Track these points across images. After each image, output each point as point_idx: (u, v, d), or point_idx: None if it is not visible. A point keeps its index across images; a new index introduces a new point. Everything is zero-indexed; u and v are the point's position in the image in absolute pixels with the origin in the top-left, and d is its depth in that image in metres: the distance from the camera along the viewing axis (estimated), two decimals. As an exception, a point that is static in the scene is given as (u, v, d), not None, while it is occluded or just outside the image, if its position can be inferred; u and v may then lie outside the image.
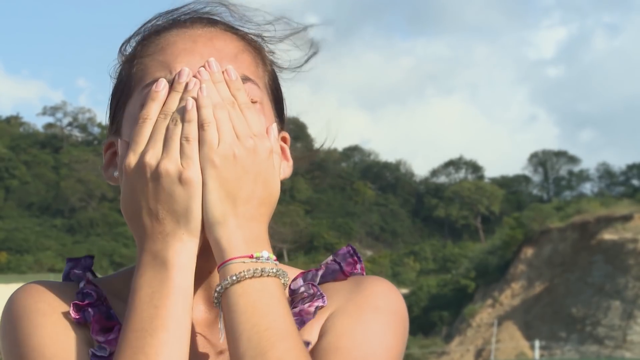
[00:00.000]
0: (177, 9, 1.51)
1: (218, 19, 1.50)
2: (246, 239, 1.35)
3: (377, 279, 1.49)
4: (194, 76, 1.40)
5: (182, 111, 1.36)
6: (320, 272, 1.50)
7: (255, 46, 1.51)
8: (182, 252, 1.35)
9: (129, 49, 1.50)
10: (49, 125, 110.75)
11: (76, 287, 1.49)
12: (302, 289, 1.47)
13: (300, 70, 1.56)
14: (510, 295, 52.93)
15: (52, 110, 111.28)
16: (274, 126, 1.44)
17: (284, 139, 1.54)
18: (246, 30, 1.52)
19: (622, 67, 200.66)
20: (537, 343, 39.39)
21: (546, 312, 49.32)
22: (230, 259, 1.34)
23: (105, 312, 1.44)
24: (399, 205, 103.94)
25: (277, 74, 1.55)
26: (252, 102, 1.42)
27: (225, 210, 1.34)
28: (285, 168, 1.52)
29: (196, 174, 1.34)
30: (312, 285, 1.47)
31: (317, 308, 1.44)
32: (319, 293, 1.46)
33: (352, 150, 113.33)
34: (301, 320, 1.44)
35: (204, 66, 1.40)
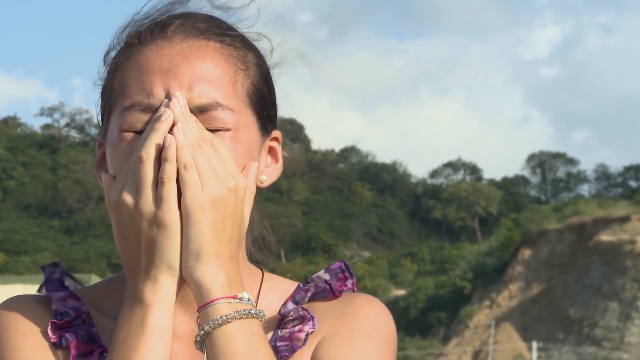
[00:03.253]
0: (157, 11, 1.47)
1: (199, 24, 1.45)
2: (229, 279, 1.34)
3: (368, 300, 1.47)
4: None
5: (160, 149, 1.35)
6: (309, 294, 1.48)
7: (237, 53, 1.46)
8: (160, 292, 1.34)
9: (112, 54, 1.48)
10: (46, 126, 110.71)
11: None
12: (292, 312, 1.45)
13: (286, 63, 1.53)
14: (508, 297, 52.93)
15: (50, 111, 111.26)
16: (255, 165, 1.42)
17: (275, 139, 1.51)
18: (229, 32, 1.47)
19: (616, 66, 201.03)
20: (534, 344, 39.42)
21: (544, 313, 49.33)
22: (215, 299, 1.32)
23: (85, 334, 1.42)
24: (396, 206, 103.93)
25: (268, 71, 1.51)
26: (226, 129, 1.39)
27: (209, 251, 1.33)
28: (274, 171, 1.50)
29: (173, 216, 1.33)
30: (302, 308, 1.45)
31: (307, 335, 1.43)
32: (308, 316, 1.44)
33: (349, 151, 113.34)
34: (291, 348, 1.42)
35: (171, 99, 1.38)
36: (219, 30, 1.46)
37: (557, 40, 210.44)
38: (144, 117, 1.38)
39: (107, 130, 1.45)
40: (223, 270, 1.34)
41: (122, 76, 1.43)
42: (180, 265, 1.35)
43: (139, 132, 1.38)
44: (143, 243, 1.34)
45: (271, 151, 1.50)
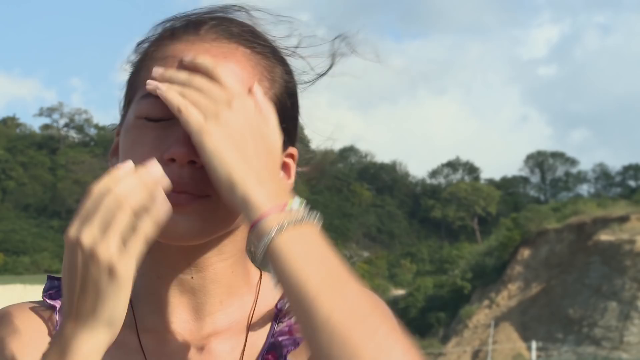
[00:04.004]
0: (194, 11, 1.46)
1: (233, 28, 1.43)
2: (274, 191, 1.29)
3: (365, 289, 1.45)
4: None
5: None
6: None
7: (266, 63, 1.44)
8: (88, 342, 1.23)
9: (145, 44, 1.46)
10: (45, 127, 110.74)
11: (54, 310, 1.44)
12: (288, 304, 1.41)
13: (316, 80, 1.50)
14: (507, 297, 52.93)
15: (49, 111, 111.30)
16: (257, 85, 1.38)
17: (291, 156, 1.48)
18: (261, 42, 1.44)
19: (614, 66, 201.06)
20: (534, 344, 39.34)
21: (543, 313, 49.33)
22: (265, 212, 1.27)
23: None
24: (395, 206, 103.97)
25: (295, 87, 1.48)
26: None
27: (240, 172, 1.28)
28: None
29: (129, 268, 1.21)
30: None
31: None
32: None
33: (348, 151, 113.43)
34: (294, 341, 1.40)
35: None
36: (251, 37, 1.43)
37: (555, 40, 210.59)
38: (160, 106, 1.35)
39: (125, 117, 1.43)
40: (262, 185, 1.29)
41: (149, 66, 1.41)
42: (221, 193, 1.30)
43: (152, 120, 1.36)
44: (89, 289, 1.22)
45: (284, 167, 1.46)
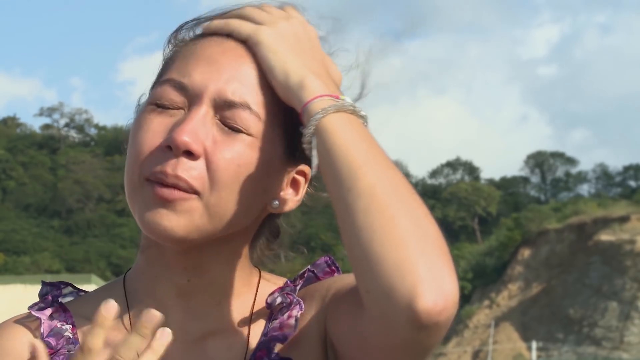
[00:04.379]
0: (237, 5, 1.44)
1: None
2: (328, 84, 1.32)
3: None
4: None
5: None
6: (298, 287, 1.43)
7: None
8: None
9: (182, 35, 1.44)
10: (46, 127, 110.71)
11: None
12: (279, 299, 1.40)
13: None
14: (508, 297, 52.98)
15: (49, 111, 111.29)
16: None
17: (303, 173, 1.43)
18: None
19: (614, 65, 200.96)
20: (534, 344, 39.37)
21: (543, 313, 49.36)
22: (318, 96, 1.29)
23: (64, 358, 1.35)
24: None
25: None
26: (247, 134, 1.33)
27: (296, 62, 1.32)
28: (289, 200, 1.42)
29: None
30: (288, 294, 1.40)
31: (297, 319, 1.37)
32: (295, 300, 1.39)
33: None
34: (283, 336, 1.36)
35: None
36: None
37: (555, 40, 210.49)
38: (172, 93, 1.33)
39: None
40: (318, 76, 1.32)
41: (181, 49, 1.40)
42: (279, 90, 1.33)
43: (160, 107, 1.34)
44: None
45: (294, 183, 1.43)
